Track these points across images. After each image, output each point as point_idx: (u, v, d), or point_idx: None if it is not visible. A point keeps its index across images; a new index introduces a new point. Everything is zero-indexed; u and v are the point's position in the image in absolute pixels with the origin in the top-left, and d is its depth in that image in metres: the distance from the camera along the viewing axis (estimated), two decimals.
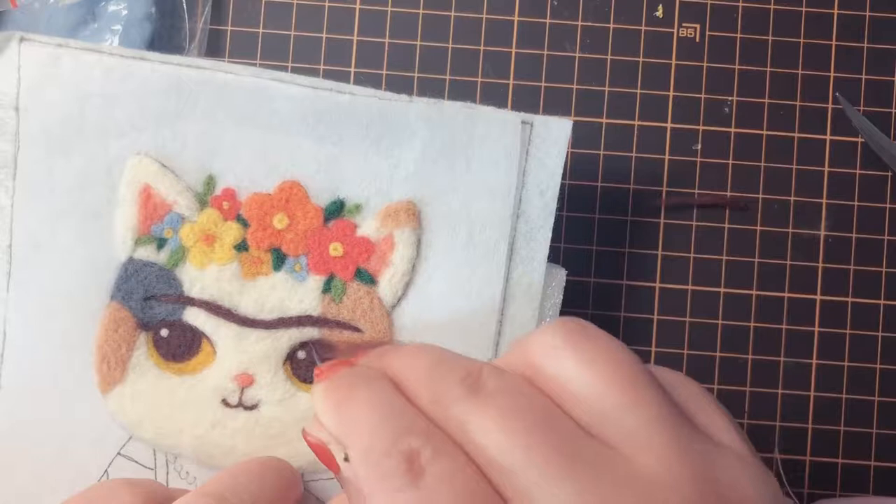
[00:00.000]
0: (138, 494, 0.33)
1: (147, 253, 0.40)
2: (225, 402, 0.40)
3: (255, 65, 0.49)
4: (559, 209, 0.47)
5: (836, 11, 0.50)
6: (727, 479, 0.27)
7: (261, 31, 0.49)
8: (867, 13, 0.49)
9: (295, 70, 0.49)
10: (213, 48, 0.49)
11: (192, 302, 0.40)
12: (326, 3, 0.50)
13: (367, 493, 0.27)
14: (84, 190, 0.40)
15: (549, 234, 0.41)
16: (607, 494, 0.26)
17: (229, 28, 0.49)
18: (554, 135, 0.41)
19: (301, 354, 0.40)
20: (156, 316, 0.40)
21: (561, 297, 0.42)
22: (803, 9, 0.50)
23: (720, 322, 0.49)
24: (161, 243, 0.40)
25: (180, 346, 0.40)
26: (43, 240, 0.40)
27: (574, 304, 0.48)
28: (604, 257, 0.49)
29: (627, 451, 0.27)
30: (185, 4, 0.48)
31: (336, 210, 0.40)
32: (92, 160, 0.40)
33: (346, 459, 0.28)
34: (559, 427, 0.27)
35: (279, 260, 0.40)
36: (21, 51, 0.40)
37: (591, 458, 0.27)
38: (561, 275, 0.42)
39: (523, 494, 0.26)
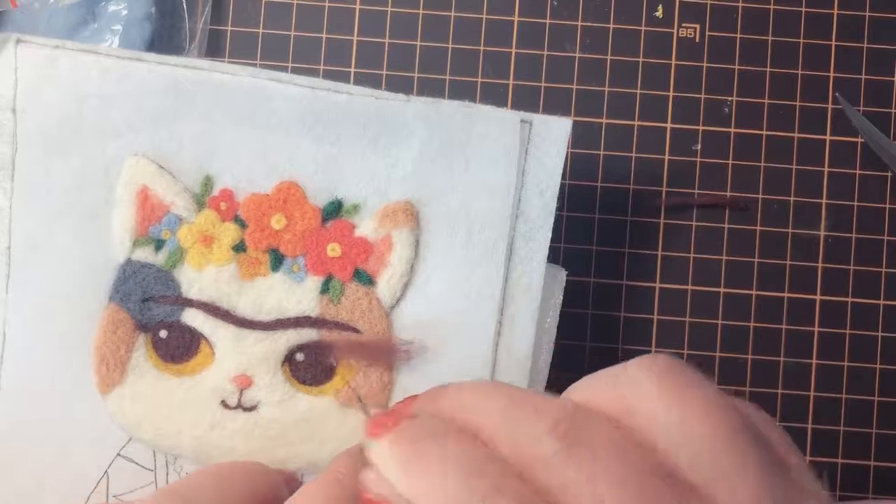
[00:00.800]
0: None
1: (145, 254, 0.40)
2: (224, 404, 0.40)
3: (254, 65, 0.49)
4: (559, 209, 0.47)
5: (836, 11, 0.50)
6: None
7: (261, 31, 0.49)
8: (867, 13, 0.49)
9: (295, 70, 0.49)
10: (213, 48, 0.49)
11: (190, 303, 0.40)
12: (326, 3, 0.50)
13: None
14: (82, 191, 0.40)
15: (549, 234, 0.41)
16: None
17: (229, 28, 0.49)
18: (554, 134, 0.41)
19: (300, 356, 0.40)
20: (154, 317, 0.40)
21: (561, 297, 0.42)
22: (803, 9, 0.50)
23: (720, 322, 0.49)
24: (159, 244, 0.40)
25: (179, 347, 0.40)
26: (41, 241, 0.40)
27: (574, 304, 0.48)
28: (604, 257, 0.49)
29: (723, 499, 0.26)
30: (185, 4, 0.48)
31: (334, 210, 0.40)
32: (89, 161, 0.40)
33: None
34: (665, 489, 0.26)
35: (277, 260, 0.40)
36: (18, 52, 0.40)
37: None
38: (561, 275, 0.42)
39: None
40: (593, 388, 0.28)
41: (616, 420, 0.27)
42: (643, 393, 0.27)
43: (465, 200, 0.41)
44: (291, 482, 0.38)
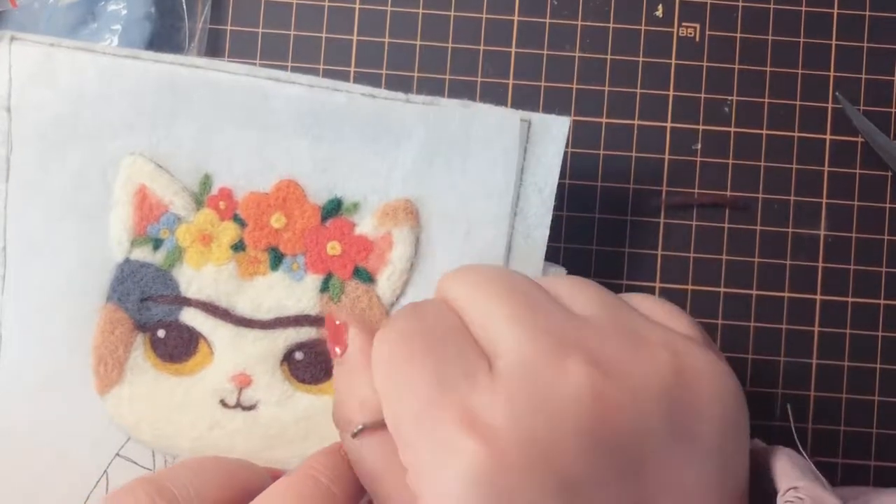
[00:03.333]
0: None
1: (143, 254, 0.40)
2: (223, 403, 0.40)
3: (254, 64, 0.49)
4: (559, 209, 0.47)
5: (836, 11, 0.49)
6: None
7: (260, 30, 0.49)
8: (867, 13, 0.49)
9: (295, 70, 0.49)
10: (213, 48, 0.49)
11: (188, 302, 0.40)
12: (326, 3, 0.50)
13: None
14: (79, 191, 0.40)
15: (547, 232, 0.41)
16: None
17: (229, 28, 0.49)
18: (552, 133, 0.41)
19: (298, 355, 0.40)
20: (153, 317, 0.40)
21: None
22: (803, 8, 0.49)
23: (720, 322, 0.49)
24: (157, 244, 0.40)
25: (178, 346, 0.40)
26: (38, 242, 0.40)
27: None
28: (604, 257, 0.49)
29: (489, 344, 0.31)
30: (184, 4, 0.48)
31: (333, 209, 0.40)
32: (86, 161, 0.40)
33: None
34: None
35: (276, 259, 0.40)
36: (12, 50, 0.39)
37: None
38: (561, 274, 0.42)
39: None
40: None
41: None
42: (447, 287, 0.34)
43: (465, 199, 0.41)
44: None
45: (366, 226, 0.40)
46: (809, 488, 0.32)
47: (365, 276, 0.40)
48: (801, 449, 0.36)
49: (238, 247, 0.40)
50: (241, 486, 0.36)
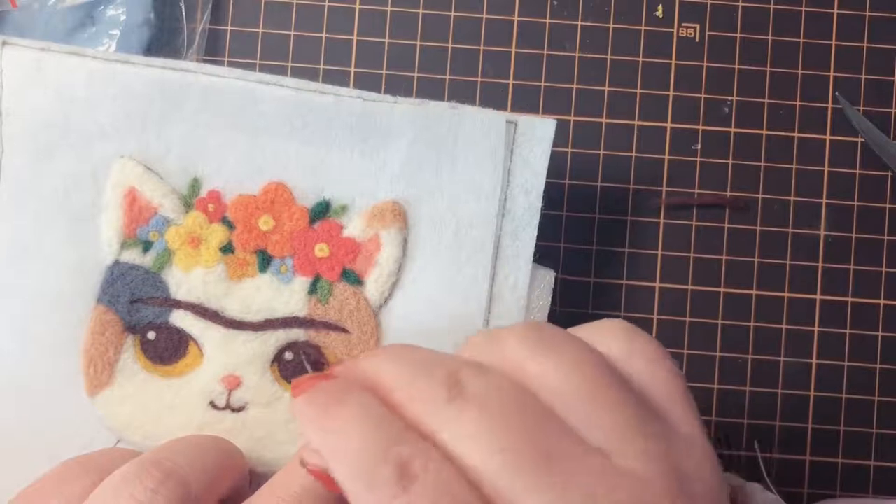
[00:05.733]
0: (91, 473, 0.33)
1: (133, 256, 0.40)
2: (212, 405, 0.40)
3: (254, 65, 0.49)
4: (559, 209, 0.47)
5: (836, 11, 0.49)
6: (691, 469, 0.29)
7: (261, 31, 0.50)
8: (867, 13, 0.49)
9: (295, 70, 0.49)
10: (213, 48, 0.49)
11: (178, 305, 0.40)
12: (326, 3, 0.50)
13: None
14: (69, 193, 0.40)
15: (535, 233, 0.41)
16: (588, 492, 0.27)
17: (229, 28, 0.50)
18: (538, 134, 0.41)
19: (288, 356, 0.40)
20: (143, 319, 0.40)
21: (549, 297, 0.42)
22: (803, 9, 0.49)
23: (720, 322, 0.49)
24: (147, 246, 0.40)
25: (167, 348, 0.40)
26: (29, 244, 0.40)
27: (574, 304, 0.48)
28: (604, 257, 0.49)
29: (606, 449, 0.28)
30: (183, 9, 0.48)
31: (322, 211, 0.40)
32: (77, 164, 0.40)
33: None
34: (543, 428, 0.28)
35: (265, 261, 0.40)
36: (4, 55, 0.40)
37: (574, 458, 0.27)
38: (549, 276, 0.42)
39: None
40: (479, 348, 0.31)
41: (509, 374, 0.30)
42: (518, 354, 0.30)
43: (453, 200, 0.41)
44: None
45: (354, 228, 0.40)
46: None
47: (353, 278, 0.40)
48: (770, 486, 0.36)
49: (227, 249, 0.40)
50: (236, 464, 0.36)
